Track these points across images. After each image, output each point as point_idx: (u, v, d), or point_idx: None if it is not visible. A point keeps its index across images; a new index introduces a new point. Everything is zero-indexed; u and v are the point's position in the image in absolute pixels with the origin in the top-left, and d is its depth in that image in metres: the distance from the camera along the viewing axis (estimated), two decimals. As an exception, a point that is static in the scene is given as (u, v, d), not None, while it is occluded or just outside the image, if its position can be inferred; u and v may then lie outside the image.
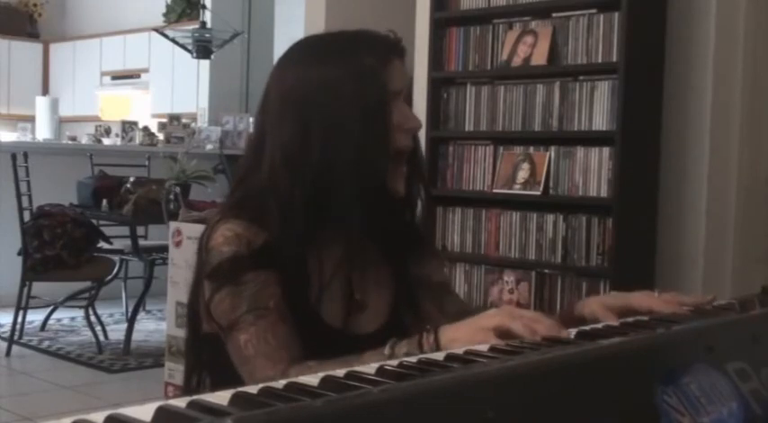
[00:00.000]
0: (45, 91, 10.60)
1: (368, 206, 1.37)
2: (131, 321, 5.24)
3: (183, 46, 7.42)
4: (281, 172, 1.36)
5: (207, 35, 7.40)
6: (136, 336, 5.27)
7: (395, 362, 0.90)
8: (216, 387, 1.39)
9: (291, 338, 1.31)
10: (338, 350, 1.24)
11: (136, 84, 9.98)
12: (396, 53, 1.41)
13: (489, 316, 1.13)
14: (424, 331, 1.18)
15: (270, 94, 1.41)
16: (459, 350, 0.99)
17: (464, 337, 1.12)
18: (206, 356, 1.42)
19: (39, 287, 5.25)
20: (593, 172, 3.50)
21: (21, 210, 5.18)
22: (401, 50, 1.43)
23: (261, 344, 1.29)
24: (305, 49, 1.43)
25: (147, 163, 6.14)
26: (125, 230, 5.47)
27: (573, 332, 1.07)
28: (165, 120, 8.51)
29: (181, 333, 3.63)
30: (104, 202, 5.34)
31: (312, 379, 0.80)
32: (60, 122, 10.01)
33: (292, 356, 1.29)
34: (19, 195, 5.20)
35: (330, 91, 1.35)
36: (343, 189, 1.34)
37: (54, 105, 9.90)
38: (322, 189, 1.35)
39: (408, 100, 1.44)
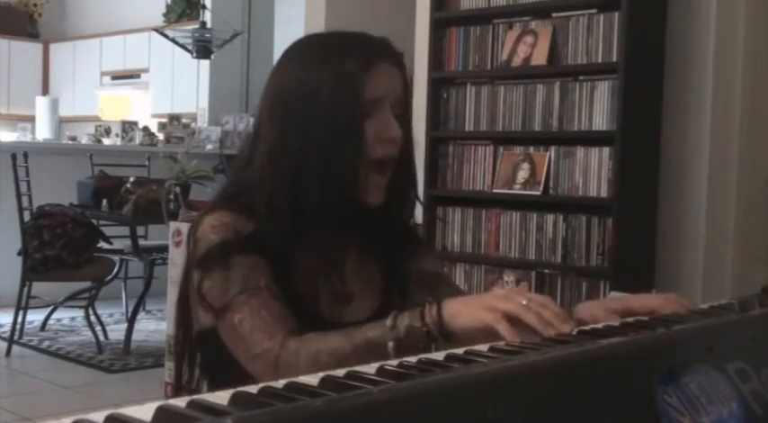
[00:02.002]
0: (45, 91, 10.60)
1: (347, 209, 1.37)
2: (131, 321, 5.24)
3: (183, 46, 7.42)
4: (267, 169, 1.37)
5: (207, 35, 7.40)
6: (136, 336, 5.27)
7: (395, 362, 0.90)
8: (210, 385, 1.39)
9: (285, 314, 1.30)
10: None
11: (136, 84, 9.98)
12: (382, 57, 1.38)
13: (500, 297, 1.11)
14: (426, 303, 1.17)
15: (265, 94, 1.43)
16: (460, 350, 0.99)
17: (469, 312, 1.10)
18: (200, 354, 1.41)
19: (39, 287, 5.25)
20: (593, 172, 3.50)
21: (21, 210, 5.18)
22: (391, 54, 1.40)
23: (255, 320, 1.28)
24: (299, 50, 1.43)
25: (147, 163, 6.14)
26: (125, 230, 5.47)
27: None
28: (165, 120, 8.51)
29: (181, 333, 3.63)
30: (104, 202, 5.34)
31: (312, 379, 0.80)
32: (60, 122, 10.01)
33: (289, 329, 1.27)
34: (19, 195, 5.20)
35: (308, 96, 1.35)
36: (314, 194, 1.34)
37: (54, 105, 9.90)
38: (298, 190, 1.35)
39: (401, 105, 1.40)
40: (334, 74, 1.34)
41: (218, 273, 1.32)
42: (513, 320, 1.06)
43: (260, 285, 1.30)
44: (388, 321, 1.18)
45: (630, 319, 1.20)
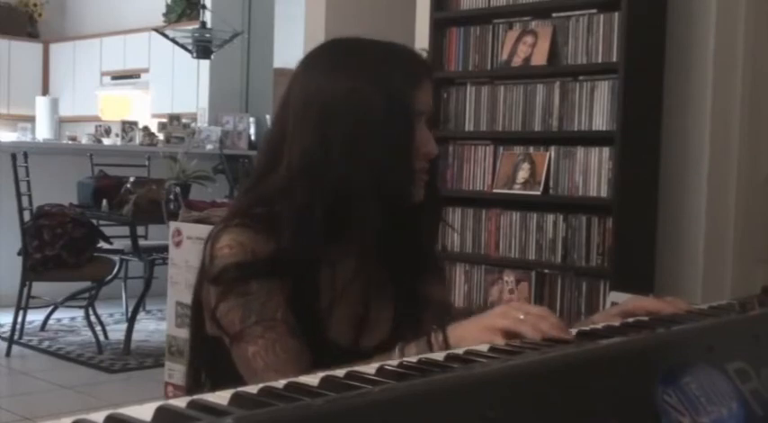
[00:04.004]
0: (45, 91, 10.60)
1: (386, 221, 1.35)
2: (131, 321, 5.24)
3: (183, 46, 7.42)
4: (299, 179, 1.32)
5: (207, 35, 7.40)
6: (136, 336, 5.27)
7: (395, 362, 0.90)
8: (216, 389, 1.38)
9: (300, 351, 1.29)
10: (338, 365, 1.22)
11: (136, 84, 9.98)
12: (427, 73, 1.40)
13: (498, 315, 1.11)
14: (431, 331, 1.18)
15: (292, 94, 1.37)
16: (460, 350, 0.99)
17: (472, 336, 1.11)
18: (207, 358, 1.41)
19: (39, 287, 5.25)
20: (593, 172, 3.50)
21: (21, 210, 5.18)
22: (431, 71, 1.43)
23: (270, 357, 1.27)
24: (334, 54, 1.39)
25: (147, 163, 6.14)
26: (125, 230, 5.47)
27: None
28: (165, 120, 8.51)
29: (181, 333, 3.63)
30: (104, 202, 5.34)
31: (312, 379, 0.80)
32: (60, 122, 10.00)
33: (300, 370, 1.25)
34: (19, 195, 5.20)
35: (356, 105, 1.31)
36: (363, 205, 1.31)
37: (54, 105, 9.89)
38: (341, 202, 1.31)
39: (430, 122, 1.40)
40: (383, 86, 1.32)
41: (234, 298, 1.30)
42: (512, 335, 1.07)
43: (276, 317, 1.29)
44: (396, 354, 1.16)
45: (630, 320, 1.20)
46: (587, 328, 1.12)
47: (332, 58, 1.38)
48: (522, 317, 1.08)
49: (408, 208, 1.39)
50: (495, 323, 1.10)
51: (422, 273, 1.49)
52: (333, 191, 1.31)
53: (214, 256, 1.33)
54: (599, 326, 1.14)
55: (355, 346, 1.36)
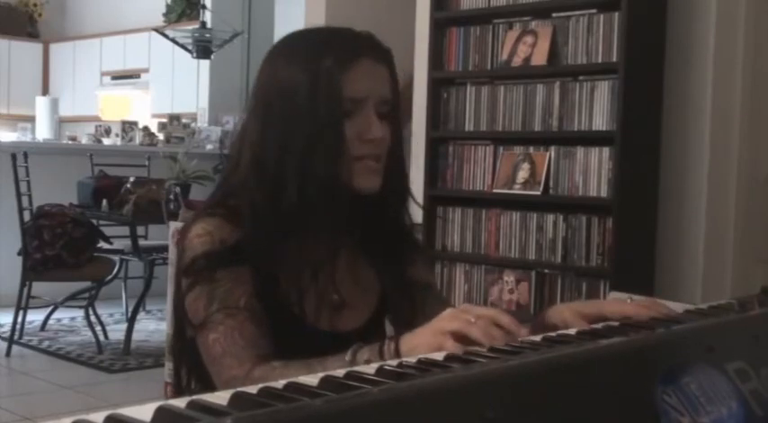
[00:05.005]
0: (45, 91, 10.60)
1: (341, 207, 1.35)
2: (131, 321, 5.24)
3: (183, 46, 7.41)
4: (250, 171, 1.36)
5: (207, 35, 7.39)
6: (136, 336, 5.27)
7: (394, 362, 0.90)
8: (202, 389, 1.38)
9: (260, 338, 1.29)
10: (318, 348, 1.22)
11: (136, 84, 9.98)
12: (362, 54, 1.33)
13: (447, 319, 1.10)
14: (386, 339, 1.17)
15: (250, 93, 1.42)
16: (459, 351, 0.99)
17: (422, 342, 1.10)
18: (190, 359, 1.40)
19: (39, 287, 5.25)
20: (593, 172, 3.50)
21: (21, 210, 5.18)
22: (373, 51, 1.35)
23: (228, 343, 1.28)
24: (281, 48, 1.41)
25: (147, 163, 6.14)
26: (125, 230, 5.47)
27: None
28: (165, 120, 8.51)
29: (181, 333, 3.63)
30: (104, 202, 5.34)
31: (312, 379, 0.80)
32: (60, 122, 10.00)
33: (258, 356, 1.27)
34: (19, 195, 5.20)
35: (286, 94, 1.33)
36: (293, 195, 1.31)
37: (54, 105, 9.89)
38: (280, 191, 1.33)
39: (387, 104, 1.36)
40: (311, 72, 1.31)
41: (201, 287, 1.31)
42: (463, 337, 1.06)
43: (239, 305, 1.30)
44: (348, 356, 1.17)
45: (630, 320, 1.19)
46: (587, 329, 1.12)
47: (280, 51, 1.40)
48: (472, 319, 1.07)
49: (373, 196, 1.37)
50: (445, 327, 1.09)
51: (404, 256, 1.48)
52: (271, 180, 1.33)
53: (185, 247, 1.35)
54: (599, 326, 1.14)
55: (333, 331, 1.36)
